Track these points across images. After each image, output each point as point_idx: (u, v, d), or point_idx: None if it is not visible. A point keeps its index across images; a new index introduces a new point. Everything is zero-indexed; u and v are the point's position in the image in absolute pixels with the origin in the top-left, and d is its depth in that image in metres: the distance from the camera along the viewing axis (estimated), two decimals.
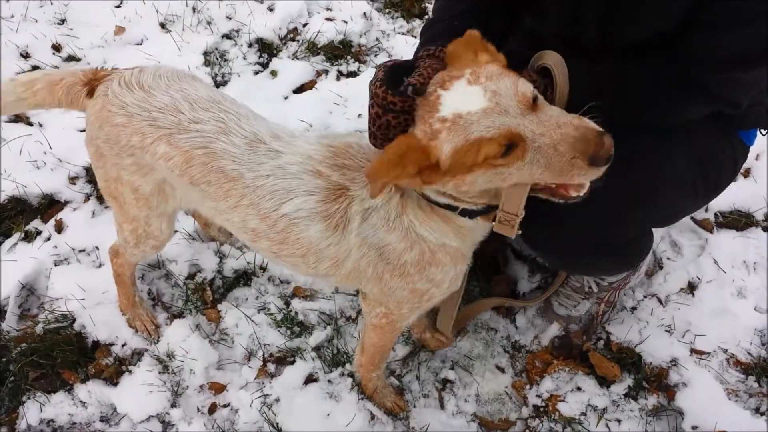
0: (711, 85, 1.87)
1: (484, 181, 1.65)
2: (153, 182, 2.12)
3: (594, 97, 1.68)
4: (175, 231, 2.95)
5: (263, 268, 2.95)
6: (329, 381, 2.62)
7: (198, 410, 2.58)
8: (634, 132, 1.97)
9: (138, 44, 3.83)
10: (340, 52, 3.80)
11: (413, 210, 1.89)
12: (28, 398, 2.57)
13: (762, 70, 1.86)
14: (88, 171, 3.21)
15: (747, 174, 3.26)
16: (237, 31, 3.86)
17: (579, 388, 2.62)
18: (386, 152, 1.62)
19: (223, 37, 3.84)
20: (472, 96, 1.57)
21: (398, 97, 1.65)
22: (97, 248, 2.97)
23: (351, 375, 2.62)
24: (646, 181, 2.06)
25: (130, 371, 2.65)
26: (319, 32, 3.83)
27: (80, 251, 2.97)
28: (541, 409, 2.59)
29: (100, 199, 3.13)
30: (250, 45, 3.81)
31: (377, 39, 3.89)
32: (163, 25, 3.92)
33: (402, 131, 1.69)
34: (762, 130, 2.28)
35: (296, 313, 2.81)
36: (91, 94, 2.09)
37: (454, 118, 1.57)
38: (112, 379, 2.64)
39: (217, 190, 1.98)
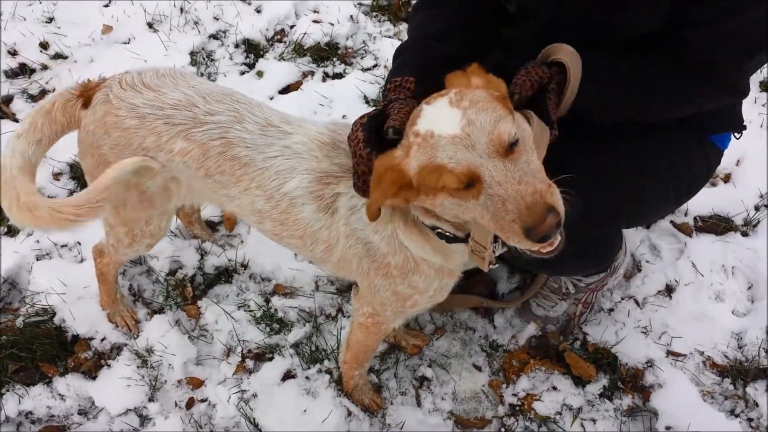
0: (719, 77, 1.88)
1: (449, 206, 1.63)
2: (160, 182, 2.09)
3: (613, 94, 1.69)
4: None
5: (244, 266, 2.97)
6: (307, 378, 2.64)
7: (176, 405, 2.59)
8: (612, 138, 2.02)
9: (125, 43, 3.85)
10: (326, 54, 3.82)
11: (399, 220, 1.89)
12: (7, 390, 2.58)
13: (763, 53, 1.87)
14: (72, 167, 3.23)
15: (727, 179, 3.30)
16: (224, 32, 3.89)
17: (555, 388, 2.63)
18: (372, 176, 1.64)
19: (210, 37, 3.86)
20: (448, 118, 1.54)
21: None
22: (79, 244, 2.98)
23: (329, 372, 2.64)
24: (628, 187, 2.08)
25: (108, 365, 2.66)
26: (305, 34, 3.86)
27: (62, 246, 2.98)
28: (517, 408, 2.61)
29: None
30: (236, 45, 3.83)
31: (364, 42, 3.92)
32: (150, 25, 3.94)
33: None
34: (736, 134, 2.30)
35: (276, 310, 2.83)
36: (86, 104, 2.05)
37: (425, 136, 1.55)
38: (91, 373, 2.65)
39: (230, 177, 1.97)
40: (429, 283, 2.02)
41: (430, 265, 1.97)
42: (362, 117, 1.75)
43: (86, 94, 2.05)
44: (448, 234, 1.83)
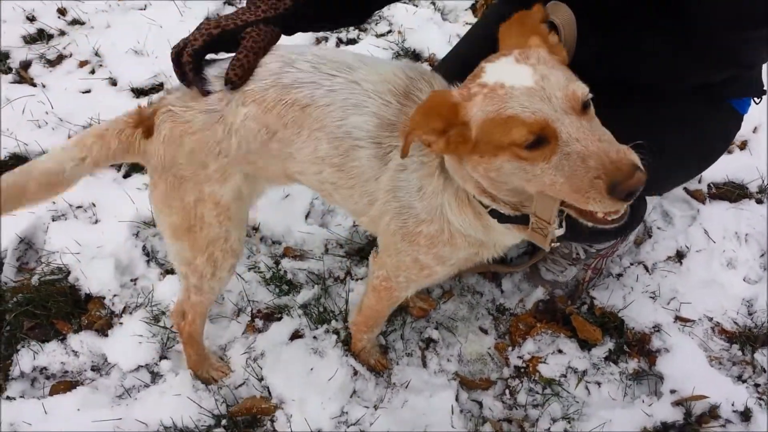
0: (720, 48, 1.86)
1: (510, 172, 1.55)
2: (233, 187, 1.98)
3: (594, 64, 1.65)
4: None
5: (255, 228, 3.00)
6: (314, 337, 2.67)
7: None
8: (633, 104, 1.99)
9: (141, 9, 3.89)
10: None
11: (451, 195, 1.84)
12: (23, 346, 2.65)
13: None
14: None
15: (743, 146, 3.25)
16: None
17: (560, 351, 2.64)
18: (419, 105, 1.58)
19: (225, 3, 3.87)
20: (519, 72, 1.50)
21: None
22: (94, 205, 3.04)
23: (336, 332, 2.67)
24: (650, 150, 2.05)
25: (121, 323, 2.72)
26: None
27: (77, 207, 3.04)
28: (522, 370, 2.62)
29: None
30: None
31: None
32: None
33: None
34: (755, 99, 2.27)
35: (285, 272, 2.86)
36: (148, 133, 1.92)
37: (494, 86, 1.50)
38: (104, 330, 2.71)
39: (292, 129, 1.85)
40: (455, 253, 1.99)
41: (467, 239, 1.93)
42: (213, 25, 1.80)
43: (146, 124, 1.92)
44: (505, 212, 1.76)
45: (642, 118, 2.02)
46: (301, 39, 3.69)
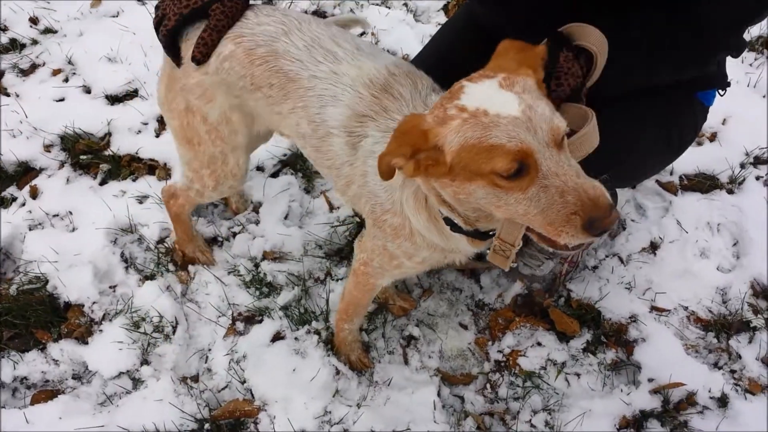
0: (720, 41, 1.93)
1: (482, 197, 1.56)
2: (219, 110, 2.15)
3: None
4: (148, 196, 3.04)
5: (234, 234, 3.01)
6: (296, 338, 2.68)
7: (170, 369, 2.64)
8: (609, 104, 2.02)
9: (114, 16, 3.88)
10: None
11: (410, 193, 1.87)
12: (2, 357, 2.63)
13: (763, 16, 1.90)
14: (63, 139, 3.27)
15: (713, 138, 3.32)
16: None
17: (539, 344, 2.68)
18: (394, 131, 1.58)
19: None
20: (504, 99, 1.48)
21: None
22: (71, 213, 3.03)
23: (317, 332, 2.68)
24: (626, 148, 2.09)
25: (101, 330, 2.70)
26: (292, 2, 3.87)
27: (54, 216, 3.03)
28: (502, 364, 2.65)
29: (74, 166, 3.20)
30: None
31: (351, 10, 3.93)
32: None
33: None
34: (720, 91, 2.32)
35: (265, 274, 2.87)
36: None
37: (475, 112, 1.48)
38: (84, 338, 2.69)
39: (279, 92, 2.00)
40: (418, 251, 2.03)
41: (425, 239, 1.97)
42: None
43: None
44: (459, 224, 1.80)
45: (618, 116, 2.03)
46: None
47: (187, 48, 2.05)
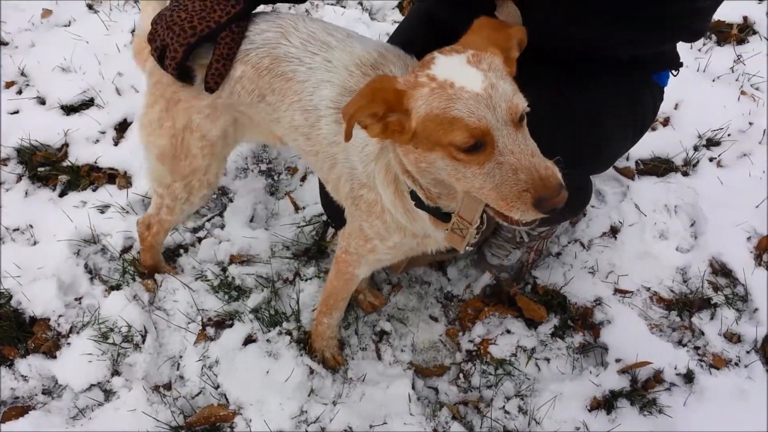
0: (687, 22, 2.00)
1: (442, 167, 1.60)
2: (221, 127, 2.16)
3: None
4: (109, 205, 3.01)
5: (200, 239, 2.99)
6: (267, 340, 2.68)
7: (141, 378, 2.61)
8: (570, 81, 2.06)
9: (66, 26, 3.82)
10: None
11: (382, 165, 1.88)
12: None
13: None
14: (19, 152, 3.22)
15: (666, 123, 3.40)
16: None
17: (509, 331, 2.72)
18: (362, 86, 1.59)
19: None
20: (470, 74, 1.52)
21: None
22: (31, 226, 2.99)
23: (289, 333, 2.68)
24: (596, 131, 2.12)
25: (68, 344, 2.67)
26: None
27: (14, 230, 2.99)
28: (474, 354, 2.69)
29: (33, 178, 3.15)
30: None
31: (307, 11, 3.93)
32: (90, 6, 3.91)
33: None
34: (673, 72, 2.39)
35: (233, 278, 2.86)
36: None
37: (443, 83, 1.52)
38: (52, 352, 2.66)
39: (278, 96, 2.01)
40: (389, 234, 2.05)
41: (393, 219, 1.99)
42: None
43: None
44: (423, 201, 1.83)
45: (581, 96, 2.09)
46: None
47: (194, 65, 2.03)
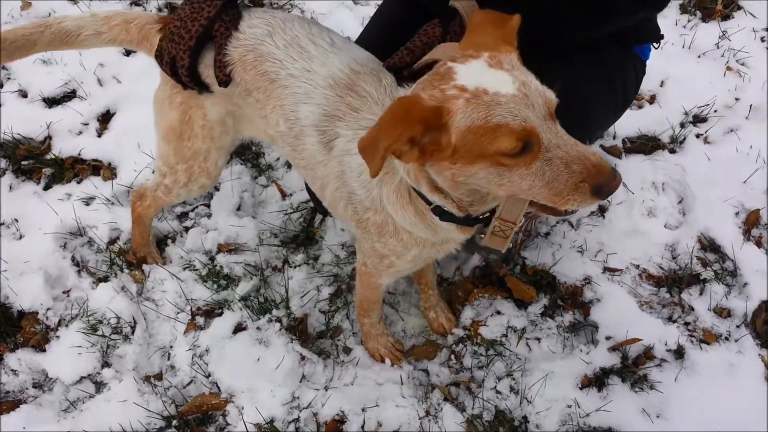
0: None
1: (483, 177, 1.55)
2: (219, 112, 2.15)
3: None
4: (94, 197, 2.99)
5: (187, 229, 2.98)
6: (258, 328, 2.67)
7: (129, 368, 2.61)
8: (551, 59, 2.06)
9: (45, 17, 3.76)
10: None
11: (390, 190, 1.83)
12: None
13: None
14: (2, 146, 3.18)
15: (652, 100, 3.39)
16: None
17: (499, 312, 2.72)
18: (385, 114, 1.48)
19: (131, 4, 3.80)
20: (498, 78, 1.47)
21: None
22: (17, 220, 2.96)
23: (279, 320, 2.68)
24: (580, 105, 2.08)
25: (57, 337, 2.66)
26: None
27: (0, 225, 2.95)
28: (465, 336, 2.69)
29: (16, 173, 3.12)
30: (159, 9, 3.78)
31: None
32: None
33: None
34: (654, 44, 2.38)
35: (221, 267, 2.85)
36: (162, 30, 2.10)
37: (476, 92, 1.45)
38: (41, 346, 2.65)
39: (263, 94, 1.99)
40: (406, 248, 2.01)
41: (411, 236, 1.95)
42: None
43: (165, 21, 2.14)
44: (445, 211, 1.77)
45: (567, 71, 2.02)
46: None
47: (204, 70, 2.03)
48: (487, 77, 1.48)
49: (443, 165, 1.56)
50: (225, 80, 1.97)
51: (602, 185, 1.49)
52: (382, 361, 2.61)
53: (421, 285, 2.68)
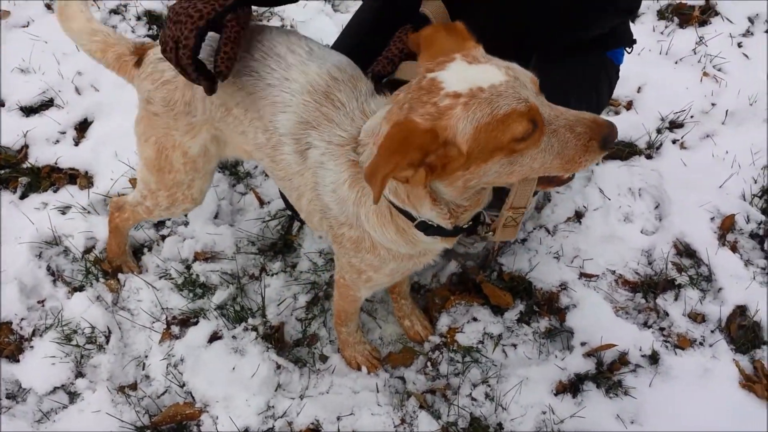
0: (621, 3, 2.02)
1: (495, 171, 1.55)
2: (200, 143, 2.13)
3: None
4: (70, 206, 2.98)
5: (163, 237, 2.97)
6: (233, 337, 2.66)
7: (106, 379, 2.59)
8: (540, 64, 2.07)
9: (24, 26, 3.76)
10: None
11: (369, 210, 1.82)
12: None
13: None
14: None
15: (629, 106, 3.41)
16: (125, 6, 3.83)
17: (475, 319, 2.72)
18: (383, 141, 1.48)
19: (110, 12, 3.80)
20: (486, 71, 1.48)
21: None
22: None
23: (254, 329, 2.67)
24: None
25: (31, 347, 2.64)
26: None
27: None
28: (441, 342, 2.69)
29: None
30: (138, 18, 3.78)
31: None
32: (48, 6, 3.84)
33: None
34: (627, 49, 2.39)
35: (197, 275, 2.84)
36: (138, 64, 2.11)
37: (472, 92, 1.46)
38: (14, 356, 2.63)
39: (242, 109, 1.96)
40: (384, 263, 2.00)
41: (389, 252, 1.94)
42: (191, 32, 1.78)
43: (139, 53, 2.13)
44: (432, 225, 1.76)
45: (549, 75, 2.08)
46: None
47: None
48: (474, 74, 1.49)
49: (456, 175, 1.57)
50: (225, 73, 1.81)
51: (607, 136, 1.54)
52: (359, 369, 2.61)
53: (393, 294, 2.67)
